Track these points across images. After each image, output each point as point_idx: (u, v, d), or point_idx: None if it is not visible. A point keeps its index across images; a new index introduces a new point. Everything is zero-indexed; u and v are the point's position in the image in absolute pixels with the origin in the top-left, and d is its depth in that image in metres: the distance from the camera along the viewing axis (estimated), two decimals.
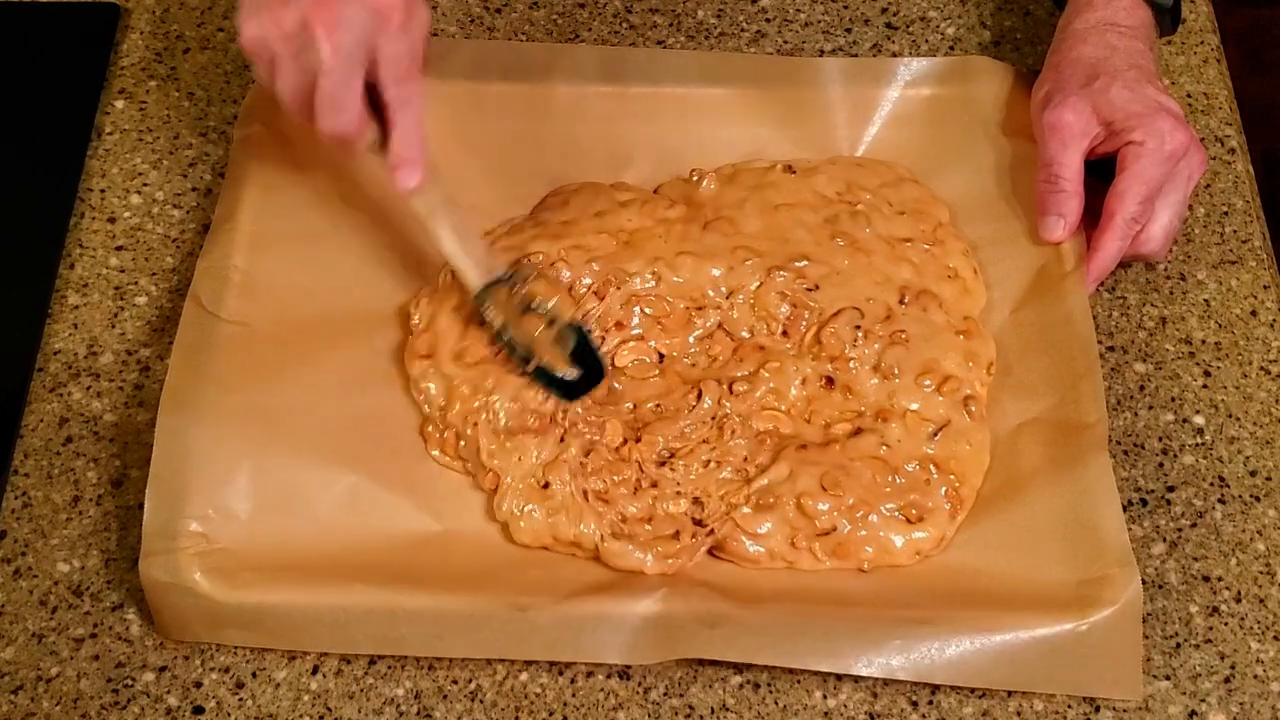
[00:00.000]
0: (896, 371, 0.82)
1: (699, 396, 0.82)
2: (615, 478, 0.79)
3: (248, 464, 0.77)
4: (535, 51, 0.96)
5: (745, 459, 0.80)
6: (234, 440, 0.77)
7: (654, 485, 0.79)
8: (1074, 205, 0.85)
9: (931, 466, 0.79)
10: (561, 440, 0.79)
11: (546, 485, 0.78)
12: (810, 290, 0.85)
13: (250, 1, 0.74)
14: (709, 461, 0.80)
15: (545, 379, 0.81)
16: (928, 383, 0.82)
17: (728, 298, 0.85)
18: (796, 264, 0.86)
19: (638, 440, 0.80)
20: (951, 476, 0.79)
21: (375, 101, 0.76)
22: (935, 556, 0.78)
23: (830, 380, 0.82)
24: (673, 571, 0.76)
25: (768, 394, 0.82)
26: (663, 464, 0.80)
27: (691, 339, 0.84)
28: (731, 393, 0.82)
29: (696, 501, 0.78)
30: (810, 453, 0.79)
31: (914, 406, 0.81)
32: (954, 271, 0.87)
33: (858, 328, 0.83)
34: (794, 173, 0.91)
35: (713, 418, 0.81)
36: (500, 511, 0.78)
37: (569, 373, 0.81)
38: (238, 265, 0.83)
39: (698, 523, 0.78)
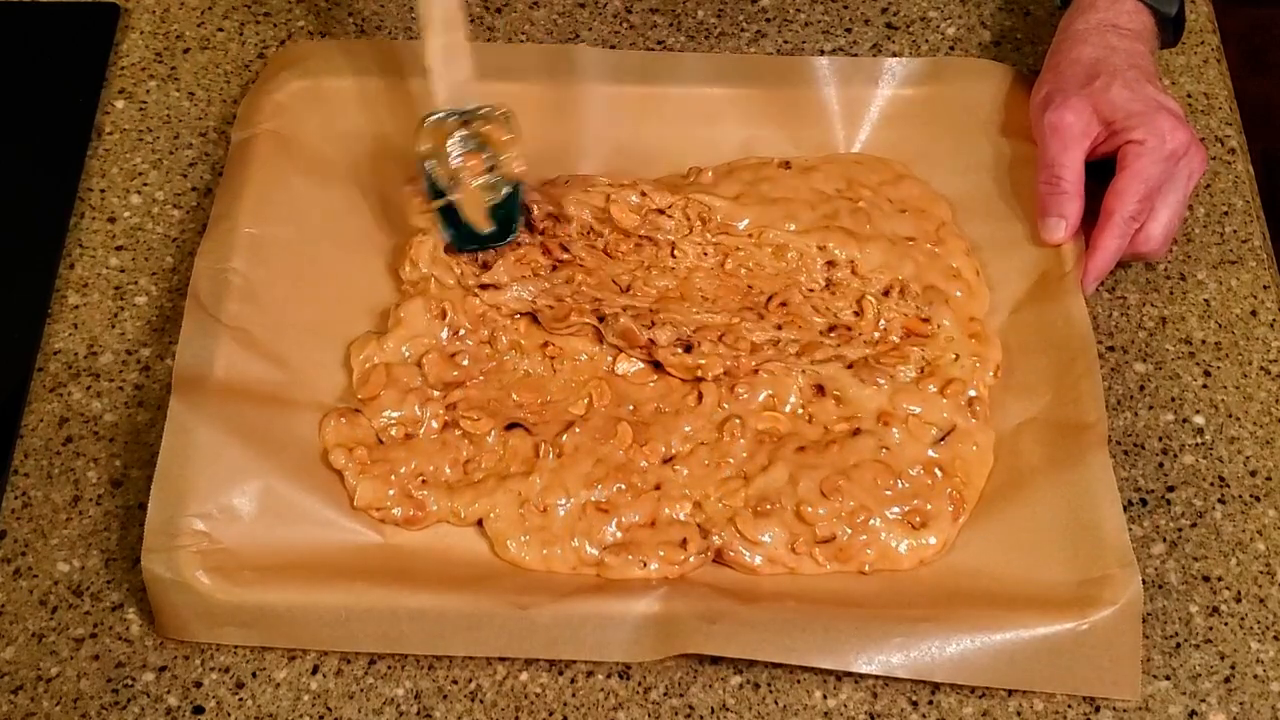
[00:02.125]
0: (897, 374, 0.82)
1: (699, 399, 0.81)
2: (620, 486, 0.79)
3: (252, 467, 0.77)
4: (531, 53, 0.96)
5: (747, 457, 0.80)
6: (239, 444, 0.77)
7: (657, 488, 0.79)
8: (1075, 207, 0.85)
9: (936, 470, 0.79)
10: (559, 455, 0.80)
11: (546, 510, 0.78)
12: (811, 292, 0.85)
13: None
14: (709, 463, 0.80)
15: (447, 218, 0.78)
16: (931, 386, 0.82)
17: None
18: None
19: (643, 445, 0.80)
20: (956, 479, 0.79)
21: None
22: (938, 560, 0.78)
23: (820, 389, 0.82)
24: (675, 576, 0.77)
25: (767, 396, 0.82)
26: (665, 463, 0.80)
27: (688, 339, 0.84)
28: (732, 393, 0.81)
29: (697, 505, 0.78)
30: (809, 455, 0.79)
31: (916, 410, 0.81)
32: (958, 272, 0.87)
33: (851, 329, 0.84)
34: (789, 168, 0.91)
35: (712, 418, 0.81)
36: (506, 551, 0.78)
37: (477, 222, 0.78)
38: (237, 269, 0.83)
39: (702, 530, 0.78)
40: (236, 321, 0.81)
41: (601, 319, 0.83)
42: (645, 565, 0.76)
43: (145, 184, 0.93)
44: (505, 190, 0.80)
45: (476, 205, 0.79)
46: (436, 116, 0.80)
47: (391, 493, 0.78)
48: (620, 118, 0.93)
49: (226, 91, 0.97)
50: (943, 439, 0.80)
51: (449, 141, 0.80)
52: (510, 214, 0.80)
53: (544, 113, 0.93)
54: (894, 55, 0.98)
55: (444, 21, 0.80)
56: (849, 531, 0.77)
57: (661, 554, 0.76)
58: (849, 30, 1.00)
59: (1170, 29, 0.90)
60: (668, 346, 0.82)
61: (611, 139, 0.93)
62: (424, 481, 0.79)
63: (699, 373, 0.82)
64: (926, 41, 1.00)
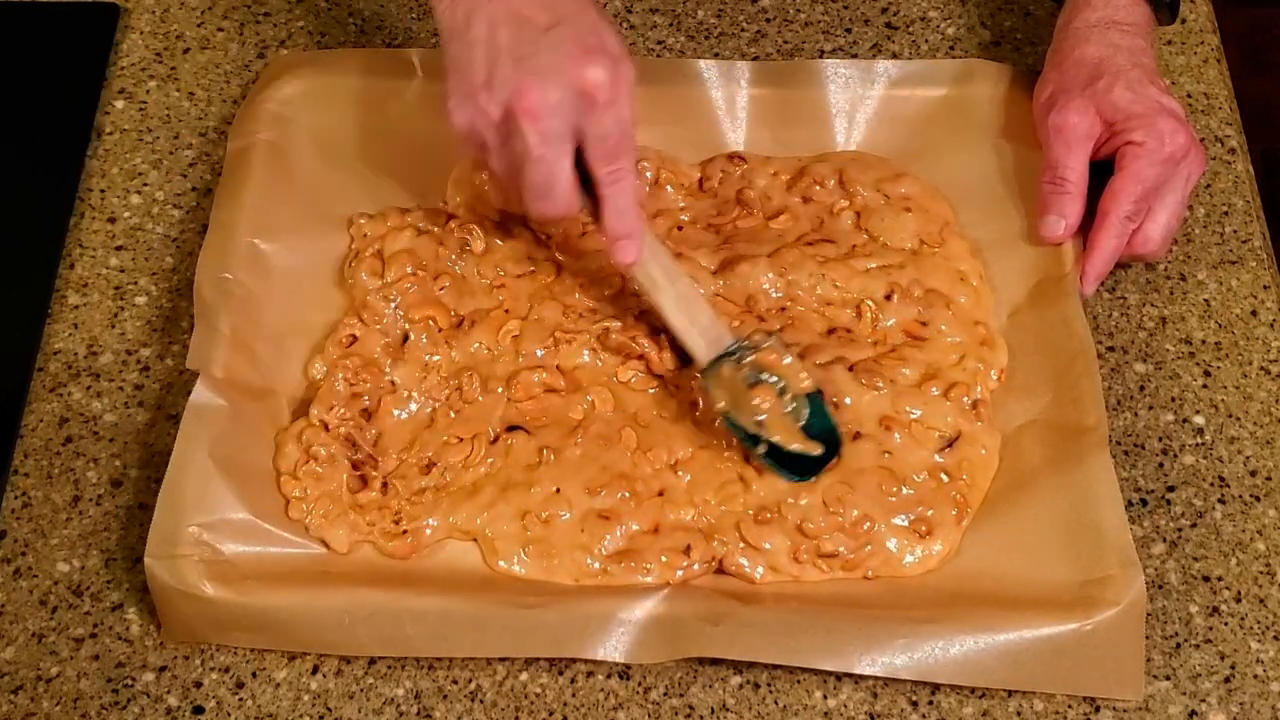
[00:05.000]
0: (900, 378, 0.82)
1: (699, 405, 0.81)
2: (623, 493, 0.78)
3: (255, 481, 0.77)
4: None
5: (748, 463, 0.79)
6: (240, 467, 0.77)
7: (660, 494, 0.79)
8: (1077, 208, 0.85)
9: (942, 474, 0.79)
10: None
11: (548, 521, 0.78)
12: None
13: (457, 89, 0.74)
14: (711, 469, 0.79)
15: (776, 460, 0.77)
16: (934, 389, 0.82)
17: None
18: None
19: (646, 450, 0.80)
20: (961, 482, 0.79)
21: (587, 174, 0.75)
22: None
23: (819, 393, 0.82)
24: (678, 583, 0.76)
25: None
26: (668, 469, 0.79)
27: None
28: None
29: (699, 512, 0.78)
30: None
31: (917, 414, 0.81)
32: (964, 275, 0.87)
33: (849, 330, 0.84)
34: (745, 162, 0.92)
35: (713, 424, 0.81)
36: (506, 569, 0.77)
37: (806, 447, 0.77)
38: (239, 279, 0.83)
39: (705, 535, 0.77)
40: (239, 335, 0.81)
41: (599, 335, 0.83)
42: (648, 572, 0.76)
43: (145, 184, 0.93)
44: (808, 408, 0.78)
45: (792, 433, 0.77)
46: (709, 369, 0.79)
47: (370, 520, 0.78)
48: None
49: (226, 91, 0.97)
50: (950, 444, 0.80)
51: (736, 386, 0.78)
52: (825, 425, 0.78)
53: None
54: (894, 55, 0.98)
55: (665, 275, 0.79)
56: (853, 543, 0.77)
57: (664, 559, 0.76)
58: (849, 30, 1.00)
59: (1166, 12, 0.90)
60: (673, 368, 0.82)
61: None
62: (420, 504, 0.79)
63: (695, 383, 0.82)
64: (926, 41, 1.00)
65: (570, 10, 0.73)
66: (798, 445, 0.77)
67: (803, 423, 0.78)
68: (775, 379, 0.78)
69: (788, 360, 0.79)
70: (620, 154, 0.74)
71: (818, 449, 0.78)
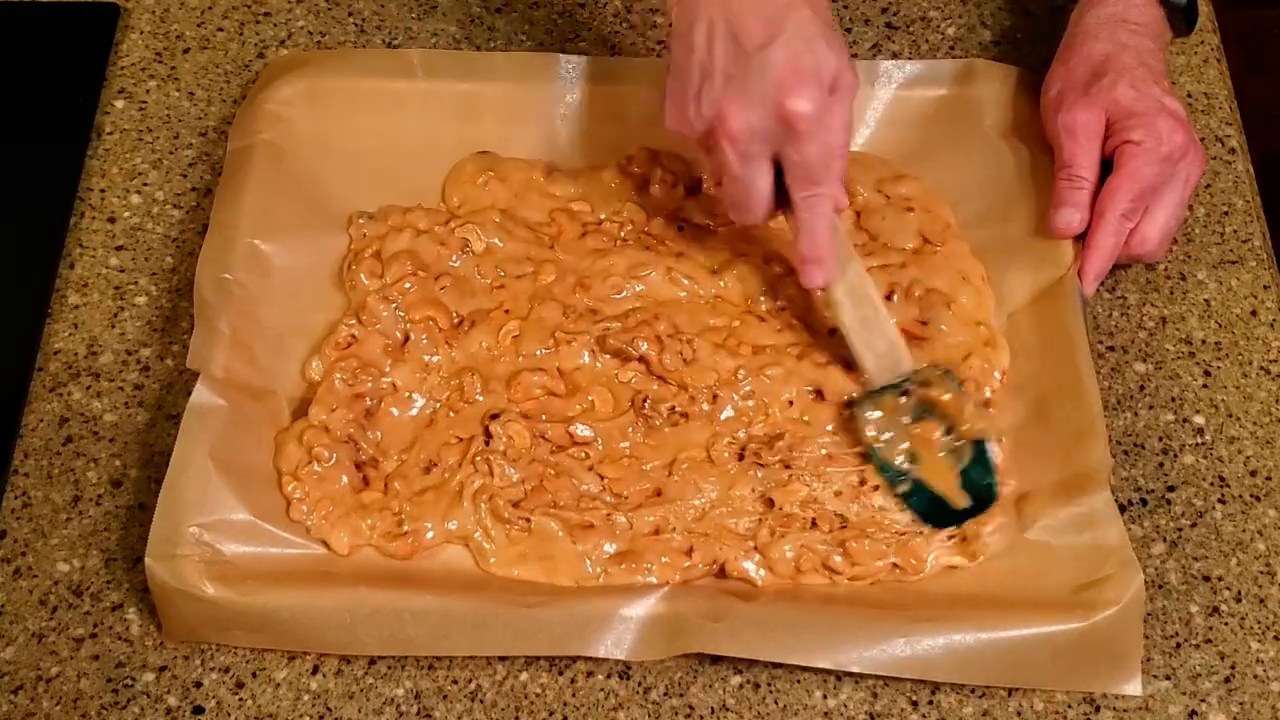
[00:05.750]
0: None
1: (699, 405, 0.81)
2: (624, 493, 0.78)
3: (256, 482, 0.77)
4: (528, 58, 0.96)
5: (747, 464, 0.79)
6: (239, 469, 0.77)
7: (658, 493, 0.79)
8: (1091, 202, 0.85)
9: None
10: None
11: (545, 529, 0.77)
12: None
13: (673, 94, 0.77)
14: (710, 471, 0.79)
15: (916, 503, 0.75)
16: None
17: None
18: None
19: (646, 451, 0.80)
20: None
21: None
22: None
23: (820, 394, 0.82)
24: (678, 582, 0.76)
25: (767, 402, 0.81)
26: (669, 471, 0.79)
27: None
28: (731, 400, 0.81)
29: (701, 514, 0.78)
30: (809, 462, 0.79)
31: None
32: (965, 275, 0.87)
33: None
34: None
35: (712, 424, 0.80)
36: (507, 572, 0.77)
37: (954, 496, 0.75)
38: (239, 280, 0.83)
39: (706, 538, 0.77)
40: (239, 335, 0.81)
41: (599, 337, 0.83)
42: (649, 573, 0.76)
43: (145, 184, 0.93)
44: (970, 455, 0.76)
45: (944, 477, 0.75)
46: (867, 397, 0.77)
47: (371, 523, 0.78)
48: (613, 118, 0.93)
49: (226, 91, 0.97)
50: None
51: (894, 418, 0.77)
52: (984, 478, 0.76)
53: (537, 115, 0.93)
54: (894, 55, 0.98)
55: (850, 297, 0.79)
56: (857, 546, 0.77)
57: (665, 560, 0.76)
58: (849, 30, 1.00)
59: (1182, 19, 0.90)
60: (673, 369, 0.82)
61: (606, 140, 0.93)
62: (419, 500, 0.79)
63: (692, 385, 0.82)
64: (926, 41, 0.99)
65: (790, 23, 0.73)
66: (945, 490, 0.75)
67: (961, 467, 0.76)
68: (941, 418, 0.77)
69: (961, 400, 0.77)
70: (819, 180, 0.76)
71: (965, 501, 0.75)
